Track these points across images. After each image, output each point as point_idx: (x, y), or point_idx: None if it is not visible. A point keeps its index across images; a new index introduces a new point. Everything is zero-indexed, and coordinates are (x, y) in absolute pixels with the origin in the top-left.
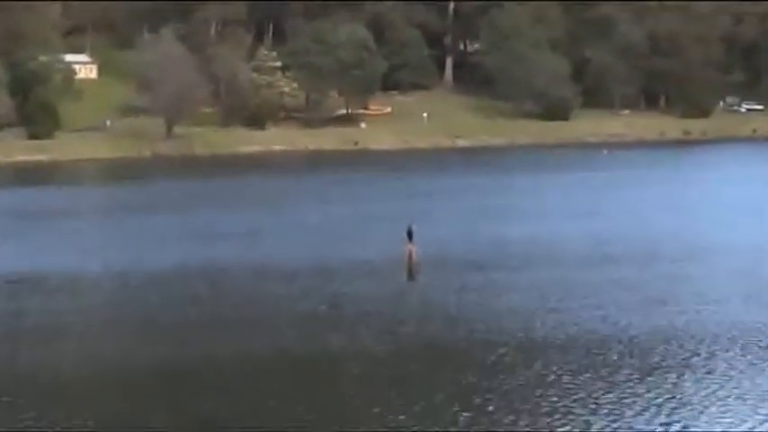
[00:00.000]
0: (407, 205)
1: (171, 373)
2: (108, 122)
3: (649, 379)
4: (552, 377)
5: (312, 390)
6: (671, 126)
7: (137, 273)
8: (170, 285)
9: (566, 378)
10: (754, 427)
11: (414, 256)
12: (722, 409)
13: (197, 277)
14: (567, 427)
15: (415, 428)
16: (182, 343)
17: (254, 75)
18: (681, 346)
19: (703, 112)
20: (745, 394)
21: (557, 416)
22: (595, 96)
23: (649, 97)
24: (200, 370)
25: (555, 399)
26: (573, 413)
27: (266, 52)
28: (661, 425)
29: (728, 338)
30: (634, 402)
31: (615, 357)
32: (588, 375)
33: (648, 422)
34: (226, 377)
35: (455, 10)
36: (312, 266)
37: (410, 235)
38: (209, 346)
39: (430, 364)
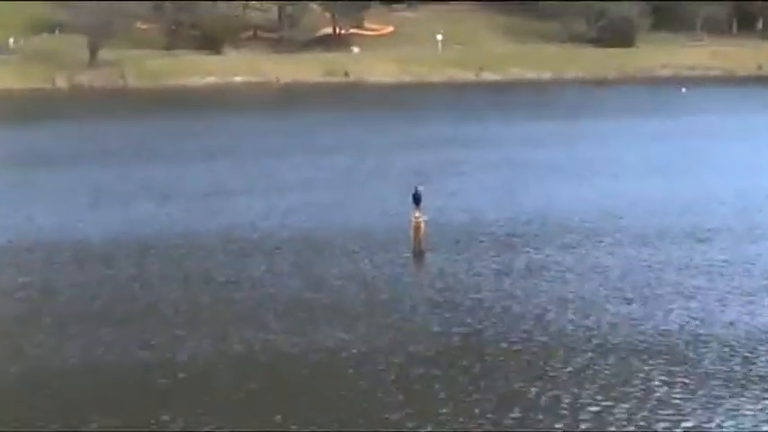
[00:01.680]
0: (416, 159)
1: (114, 379)
2: (12, 42)
3: (762, 396)
4: (636, 391)
5: (299, 398)
6: None
7: (62, 245)
8: (108, 262)
9: (658, 393)
10: None
11: (421, 227)
12: None
13: (145, 251)
14: None
15: None
16: (128, 338)
17: None
18: None
19: None
20: None
21: None
22: (670, 16)
23: (743, 19)
24: (155, 372)
25: (642, 421)
26: None
27: None
28: None
29: None
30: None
31: (714, 365)
32: (684, 389)
33: None
34: (191, 380)
35: None
36: (294, 238)
37: (417, 200)
38: (166, 341)
39: (459, 370)
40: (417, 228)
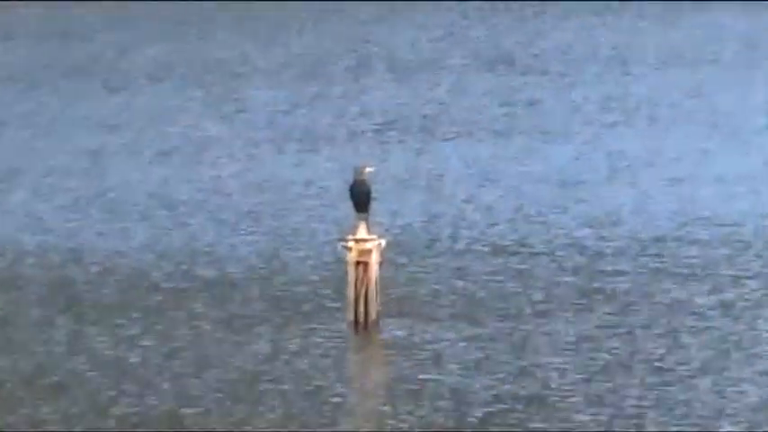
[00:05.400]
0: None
1: None
2: None
3: None
4: None
5: None
6: None
7: None
8: None
9: None
10: None
11: (371, 262)
12: None
13: None
14: None
15: None
16: None
17: None
18: None
19: None
20: None
21: None
22: None
23: None
24: None
25: None
26: None
27: None
28: None
29: None
30: None
31: None
32: None
33: None
34: None
35: None
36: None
37: (360, 199)
38: None
39: None
40: (362, 265)
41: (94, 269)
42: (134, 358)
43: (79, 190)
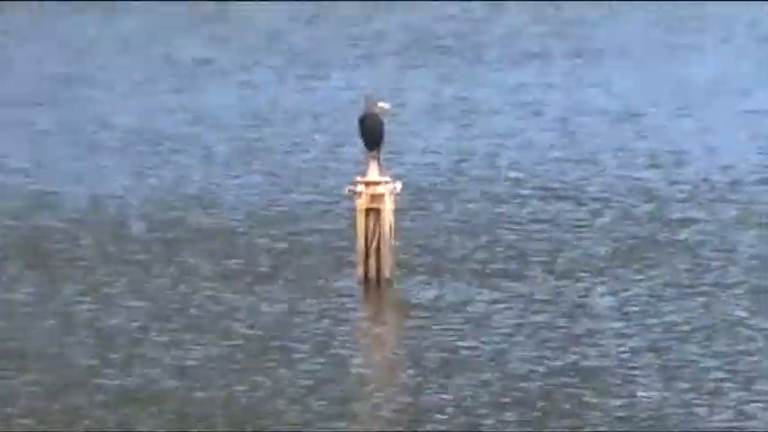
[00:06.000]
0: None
1: None
2: None
3: None
4: None
5: None
6: None
7: None
8: None
9: None
10: None
11: (385, 210)
12: None
13: None
14: None
15: None
16: None
17: None
18: None
19: None
20: None
21: None
22: None
23: None
24: None
25: None
26: None
27: None
28: None
29: None
30: None
31: None
32: None
33: None
34: None
35: None
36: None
37: (371, 135)
38: None
39: None
40: (373, 213)
41: (68, 217)
42: (117, 321)
43: (46, 123)
